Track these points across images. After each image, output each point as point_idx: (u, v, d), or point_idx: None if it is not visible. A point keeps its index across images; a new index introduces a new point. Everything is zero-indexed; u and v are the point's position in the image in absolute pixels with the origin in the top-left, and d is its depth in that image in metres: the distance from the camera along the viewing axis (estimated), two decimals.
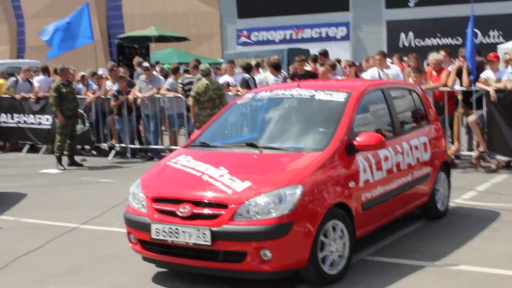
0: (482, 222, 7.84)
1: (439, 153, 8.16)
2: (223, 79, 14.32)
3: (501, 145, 11.15)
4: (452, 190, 8.68)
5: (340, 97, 6.79)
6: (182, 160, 6.43)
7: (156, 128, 13.90)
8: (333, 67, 12.74)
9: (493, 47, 21.76)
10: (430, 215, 8.05)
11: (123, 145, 14.45)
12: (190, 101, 12.49)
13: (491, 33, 28.02)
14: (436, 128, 8.32)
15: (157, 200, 5.92)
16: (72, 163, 13.37)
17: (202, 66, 12.58)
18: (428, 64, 12.34)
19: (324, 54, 14.58)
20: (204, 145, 6.82)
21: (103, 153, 15.06)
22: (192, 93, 12.30)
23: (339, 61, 15.72)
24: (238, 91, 13.15)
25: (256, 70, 15.18)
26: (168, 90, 13.78)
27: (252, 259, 5.47)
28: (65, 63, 15.27)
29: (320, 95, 6.91)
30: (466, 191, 9.60)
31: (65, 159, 13.30)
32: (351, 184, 6.17)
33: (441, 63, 11.91)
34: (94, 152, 15.37)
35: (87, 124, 14.60)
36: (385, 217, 6.95)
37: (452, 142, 11.84)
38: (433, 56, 12.03)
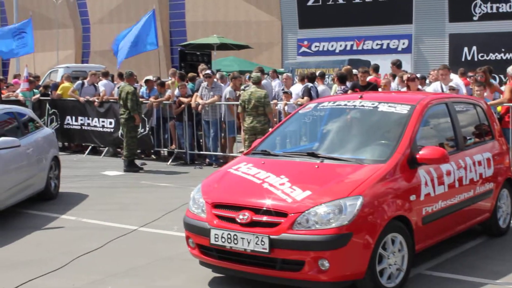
0: None
1: (503, 169, 8.00)
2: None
3: None
4: None
5: (403, 109, 6.74)
6: (243, 167, 6.48)
7: (216, 134, 14.02)
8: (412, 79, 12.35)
9: None
10: (491, 232, 7.88)
11: (182, 150, 14.62)
12: (239, 108, 12.80)
13: None
14: (500, 144, 8.17)
15: (217, 206, 5.98)
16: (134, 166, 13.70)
17: (253, 75, 12.93)
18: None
19: (397, 64, 14.51)
20: (265, 153, 6.85)
21: (163, 158, 15.28)
22: (239, 101, 12.60)
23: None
24: (299, 101, 13.19)
25: (320, 80, 15.15)
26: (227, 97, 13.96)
27: (309, 268, 5.47)
28: (129, 68, 15.59)
29: (383, 107, 6.87)
30: None
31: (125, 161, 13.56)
32: (412, 197, 6.11)
33: None
34: (153, 157, 15.61)
35: (148, 129, 14.82)
36: (445, 232, 6.85)
37: None
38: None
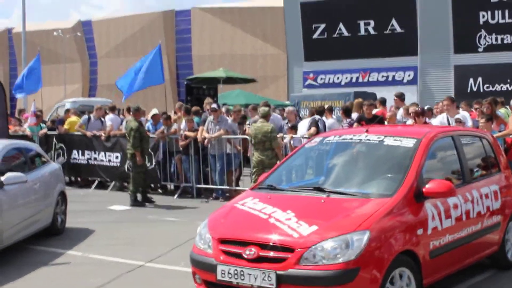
0: None
1: (510, 202, 7.96)
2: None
3: None
4: None
5: (409, 143, 6.76)
6: (249, 202, 6.48)
7: (222, 168, 14.03)
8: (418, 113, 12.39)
9: None
10: (499, 265, 7.83)
11: (189, 184, 14.63)
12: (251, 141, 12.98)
13: None
14: (507, 176, 8.14)
15: (223, 241, 5.98)
16: (145, 199, 13.69)
17: (261, 109, 13.00)
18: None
19: (400, 97, 14.57)
20: (271, 187, 6.87)
21: (169, 192, 15.28)
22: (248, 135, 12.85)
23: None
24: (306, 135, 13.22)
25: (329, 114, 15.19)
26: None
27: None
28: (136, 102, 15.69)
29: (389, 141, 6.90)
30: None
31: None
32: (419, 231, 6.09)
33: None
34: (160, 191, 15.61)
35: (154, 163, 14.85)
36: (453, 266, 6.81)
37: None
38: None
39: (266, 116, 12.74)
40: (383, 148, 6.89)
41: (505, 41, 29.41)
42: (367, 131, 7.22)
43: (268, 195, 6.57)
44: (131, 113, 14.21)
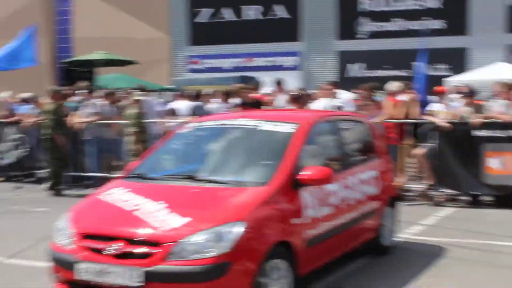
0: (428, 258, 7.59)
1: (387, 187, 7.92)
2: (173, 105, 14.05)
3: (449, 178, 11.03)
4: (399, 225, 8.43)
5: (287, 128, 6.47)
6: (116, 193, 6.00)
7: (96, 154, 13.35)
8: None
9: (440, 80, 21.92)
10: (376, 251, 7.76)
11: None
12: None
13: (438, 66, 28.35)
14: (385, 162, 8.09)
15: (86, 236, 5.46)
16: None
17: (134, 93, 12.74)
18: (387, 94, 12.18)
19: (279, 83, 14.39)
20: (141, 176, 6.40)
21: (41, 181, 14.41)
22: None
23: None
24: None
25: (210, 98, 14.81)
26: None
27: None
28: (12, 84, 14.75)
29: (267, 126, 6.58)
30: (413, 226, 9.37)
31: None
32: (295, 220, 5.82)
33: (398, 93, 11.78)
34: (31, 179, 14.70)
35: (25, 150, 13.97)
36: (331, 254, 6.62)
37: (400, 175, 11.63)
38: (390, 85, 11.89)
39: (137, 101, 12.42)
40: (260, 133, 6.56)
41: (385, 29, 30.07)
42: (243, 115, 6.89)
43: (137, 185, 6.12)
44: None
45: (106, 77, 24.29)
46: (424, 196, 11.35)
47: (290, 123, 6.55)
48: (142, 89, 14.39)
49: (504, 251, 8.01)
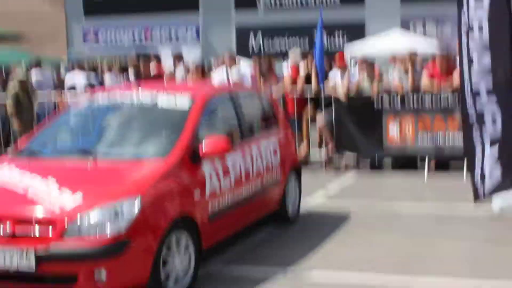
0: (333, 225, 7.66)
1: (289, 157, 7.90)
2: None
3: (349, 143, 11.16)
4: (304, 192, 8.46)
5: (183, 101, 6.29)
6: (4, 171, 5.64)
7: None
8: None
9: (338, 48, 22.22)
10: (281, 221, 7.73)
11: None
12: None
13: (336, 34, 28.72)
14: (286, 132, 8.05)
15: None
16: None
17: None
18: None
19: (178, 57, 14.08)
20: (32, 153, 6.05)
21: None
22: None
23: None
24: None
25: (108, 71, 14.35)
26: None
27: (85, 282, 4.80)
28: None
29: (163, 99, 6.36)
30: (317, 194, 9.45)
31: None
32: (196, 194, 5.67)
33: (298, 62, 11.78)
34: None
35: None
36: (234, 226, 6.54)
37: (303, 144, 11.68)
38: (292, 53, 11.87)
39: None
40: (156, 107, 6.33)
41: (284, 1, 30.10)
42: (138, 89, 6.65)
43: (27, 162, 5.78)
44: None
45: None
46: (327, 164, 11.44)
47: (186, 96, 6.36)
48: (37, 63, 13.77)
49: (403, 215, 8.19)
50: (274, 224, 7.67)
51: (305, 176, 8.74)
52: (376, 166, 11.40)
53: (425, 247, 6.74)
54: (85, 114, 6.82)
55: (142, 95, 6.46)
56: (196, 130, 5.98)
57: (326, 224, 7.76)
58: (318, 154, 11.81)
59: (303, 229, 7.66)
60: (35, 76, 14.40)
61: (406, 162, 11.11)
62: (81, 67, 13.72)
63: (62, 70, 18.41)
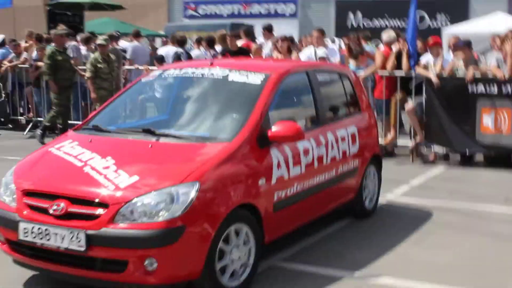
0: (410, 223, 7.11)
1: (370, 144, 7.38)
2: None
3: (439, 135, 10.48)
4: (385, 184, 7.93)
5: (256, 79, 5.89)
6: (67, 146, 5.47)
7: (76, 101, 12.81)
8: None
9: (439, 31, 21.22)
10: (356, 214, 7.28)
11: (41, 119, 13.31)
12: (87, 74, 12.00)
13: (438, 16, 27.57)
14: (368, 117, 7.52)
15: (29, 193, 4.97)
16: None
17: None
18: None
19: (268, 29, 13.59)
20: (97, 128, 5.86)
21: (21, 127, 13.90)
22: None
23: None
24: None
25: (196, 45, 14.22)
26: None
27: (134, 269, 4.56)
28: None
29: (235, 76, 5.99)
30: (400, 186, 8.89)
31: None
32: (261, 181, 5.30)
33: (390, 43, 11.17)
34: (10, 126, 14.18)
35: (3, 95, 13.42)
36: (302, 219, 6.12)
37: (390, 131, 11.07)
38: (385, 34, 11.28)
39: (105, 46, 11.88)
40: (227, 84, 5.97)
41: None
42: (211, 64, 6.31)
43: (90, 138, 5.58)
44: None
45: (94, 22, 23.48)
46: (414, 154, 10.80)
47: (261, 73, 5.97)
48: (136, 34, 13.84)
49: (492, 218, 7.51)
50: (348, 217, 7.22)
51: (388, 166, 8.22)
52: (468, 160, 10.63)
53: None
54: (153, 89, 6.58)
55: (213, 71, 6.13)
56: (267, 111, 5.58)
57: (404, 221, 7.23)
58: (406, 142, 11.15)
59: (378, 225, 7.13)
60: (130, 47, 14.47)
61: (501, 157, 10.31)
62: (175, 41, 13.58)
63: (159, 43, 18.51)
